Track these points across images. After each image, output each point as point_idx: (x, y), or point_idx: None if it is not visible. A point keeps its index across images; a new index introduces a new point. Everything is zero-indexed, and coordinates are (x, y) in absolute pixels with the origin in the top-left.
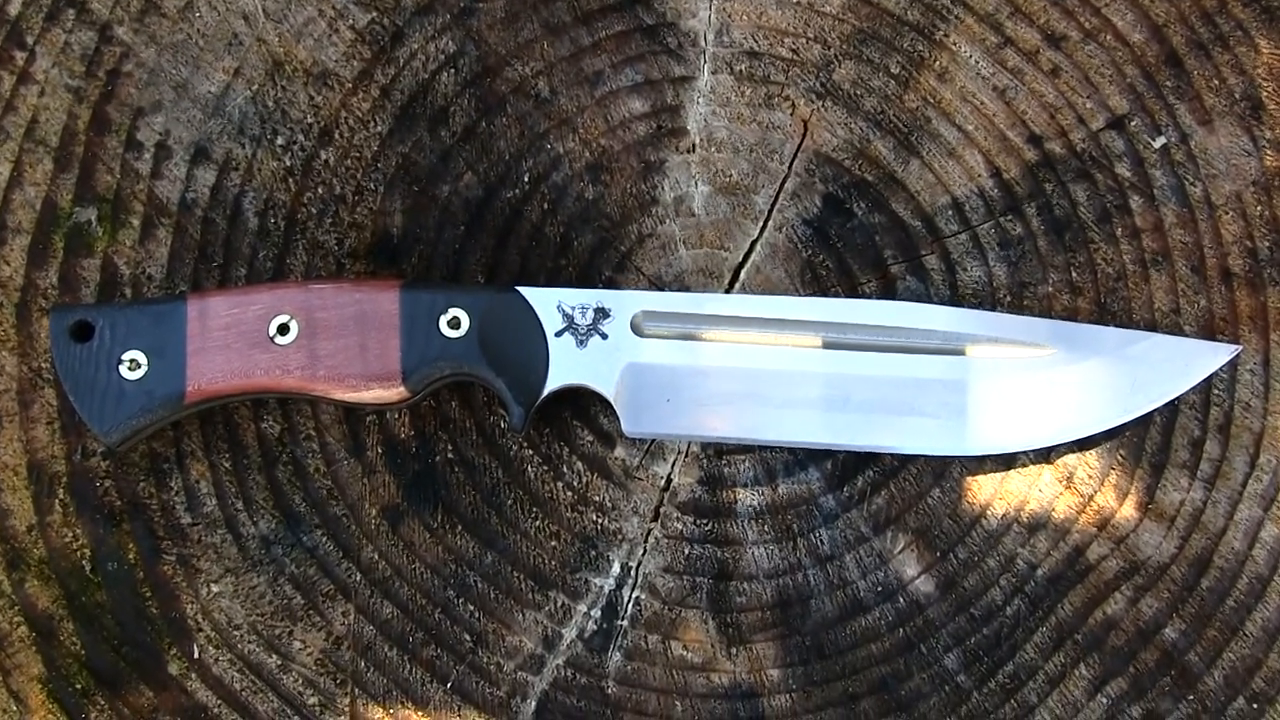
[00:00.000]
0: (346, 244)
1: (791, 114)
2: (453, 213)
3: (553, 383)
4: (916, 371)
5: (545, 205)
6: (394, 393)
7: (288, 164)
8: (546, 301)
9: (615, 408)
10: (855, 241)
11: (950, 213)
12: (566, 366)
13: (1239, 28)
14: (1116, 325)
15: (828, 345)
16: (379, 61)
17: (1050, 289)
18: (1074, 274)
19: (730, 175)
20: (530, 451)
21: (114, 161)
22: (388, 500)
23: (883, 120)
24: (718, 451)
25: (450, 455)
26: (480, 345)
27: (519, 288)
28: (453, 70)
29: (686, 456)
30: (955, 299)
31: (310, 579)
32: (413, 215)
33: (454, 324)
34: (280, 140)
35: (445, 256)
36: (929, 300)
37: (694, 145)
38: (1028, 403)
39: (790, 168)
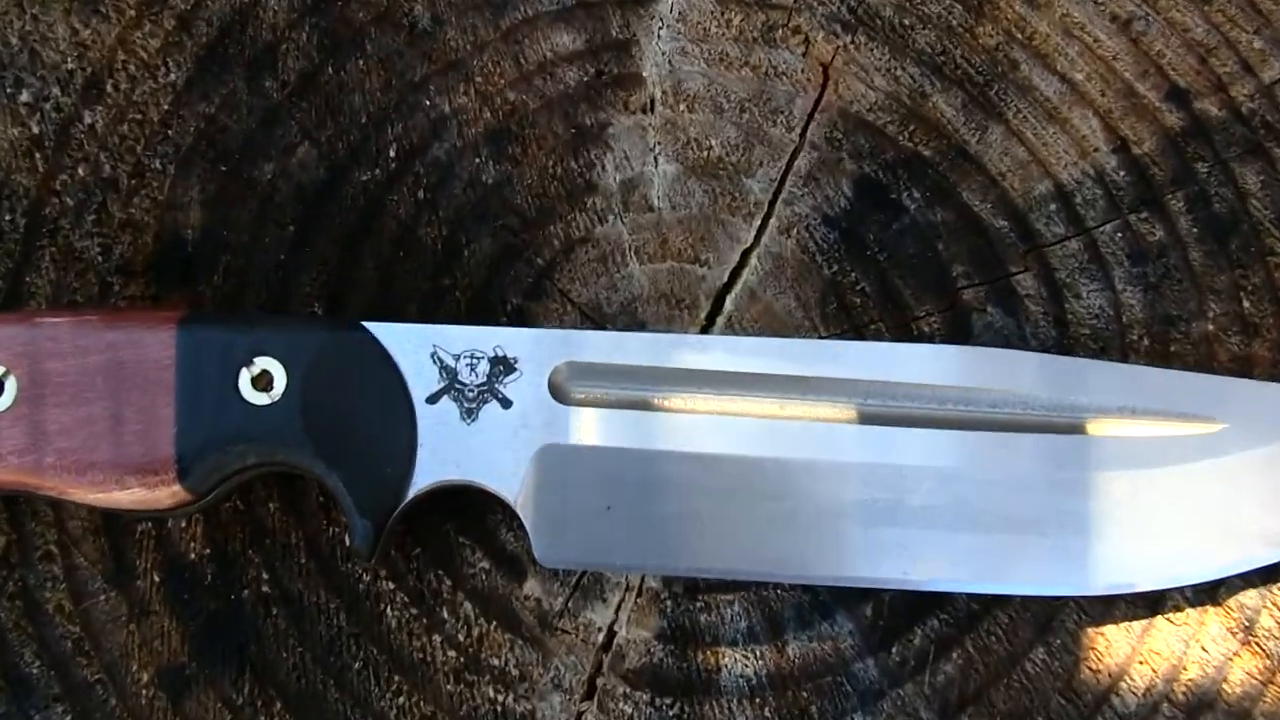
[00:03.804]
0: (116, 253)
1: (805, 54)
2: (278, 205)
3: (422, 480)
4: (1009, 461)
5: (421, 194)
6: (166, 493)
7: (34, 131)
8: (414, 346)
9: (523, 518)
10: (905, 251)
11: (1053, 207)
12: (444, 453)
13: None
14: None
15: (866, 419)
16: None
17: (1210, 326)
18: (1246, 303)
19: (709, 147)
20: (391, 585)
21: None
22: (168, 658)
23: (945, 65)
24: (688, 588)
25: (265, 589)
26: (304, 418)
27: (369, 324)
28: None
29: (640, 595)
30: (1064, 342)
31: None
32: (218, 209)
33: (263, 382)
34: (25, 96)
35: (264, 272)
36: (1022, 344)
37: (652, 101)
38: (1182, 510)
39: (803, 136)
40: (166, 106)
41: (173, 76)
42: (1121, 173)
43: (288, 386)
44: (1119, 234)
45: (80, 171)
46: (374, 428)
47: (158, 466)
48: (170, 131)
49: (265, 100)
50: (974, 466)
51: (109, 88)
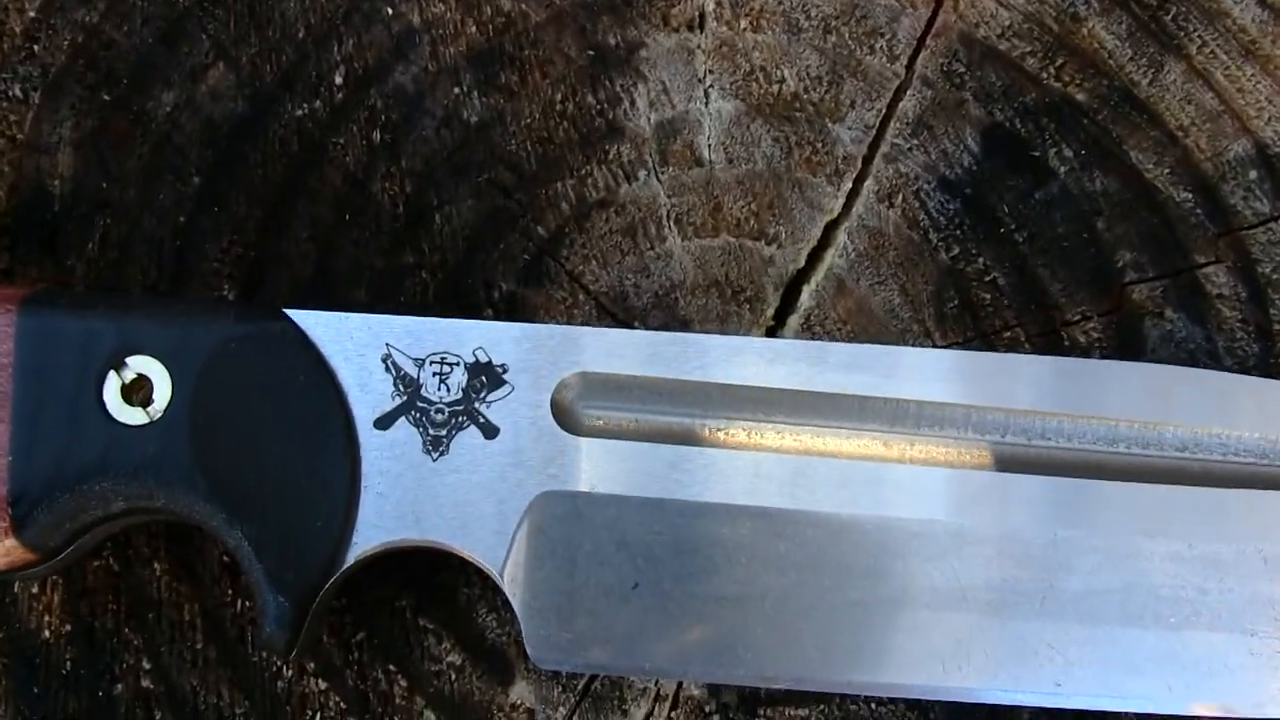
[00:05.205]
0: None
1: None
2: (179, 149)
3: (365, 540)
4: (1206, 527)
5: (377, 136)
6: None
7: None
8: (359, 345)
9: (510, 597)
10: (1053, 230)
11: (1253, 175)
12: (399, 501)
13: None
14: None
15: (1003, 463)
16: None
17: None
18: None
19: (781, 80)
20: (321, 684)
21: None
22: None
23: None
24: (745, 699)
25: (146, 683)
26: (195, 446)
27: (294, 312)
28: None
29: (675, 708)
30: (1270, 360)
31: None
32: (97, 153)
33: (138, 393)
34: None
35: (156, 241)
36: (1213, 361)
37: (702, 14)
38: None
39: (911, 69)
40: (33, 13)
41: None
42: None
43: (173, 400)
44: None
45: None
46: (297, 463)
47: None
48: (36, 47)
49: (167, 6)
50: (1155, 535)
51: None
